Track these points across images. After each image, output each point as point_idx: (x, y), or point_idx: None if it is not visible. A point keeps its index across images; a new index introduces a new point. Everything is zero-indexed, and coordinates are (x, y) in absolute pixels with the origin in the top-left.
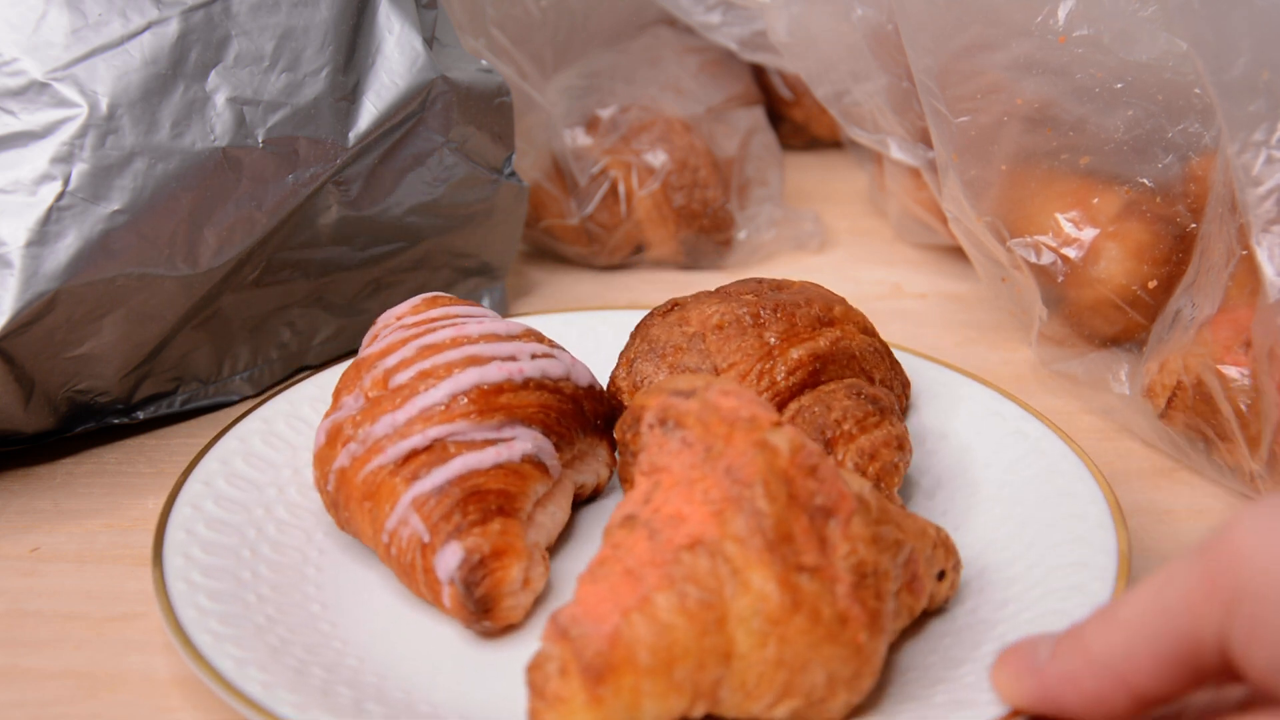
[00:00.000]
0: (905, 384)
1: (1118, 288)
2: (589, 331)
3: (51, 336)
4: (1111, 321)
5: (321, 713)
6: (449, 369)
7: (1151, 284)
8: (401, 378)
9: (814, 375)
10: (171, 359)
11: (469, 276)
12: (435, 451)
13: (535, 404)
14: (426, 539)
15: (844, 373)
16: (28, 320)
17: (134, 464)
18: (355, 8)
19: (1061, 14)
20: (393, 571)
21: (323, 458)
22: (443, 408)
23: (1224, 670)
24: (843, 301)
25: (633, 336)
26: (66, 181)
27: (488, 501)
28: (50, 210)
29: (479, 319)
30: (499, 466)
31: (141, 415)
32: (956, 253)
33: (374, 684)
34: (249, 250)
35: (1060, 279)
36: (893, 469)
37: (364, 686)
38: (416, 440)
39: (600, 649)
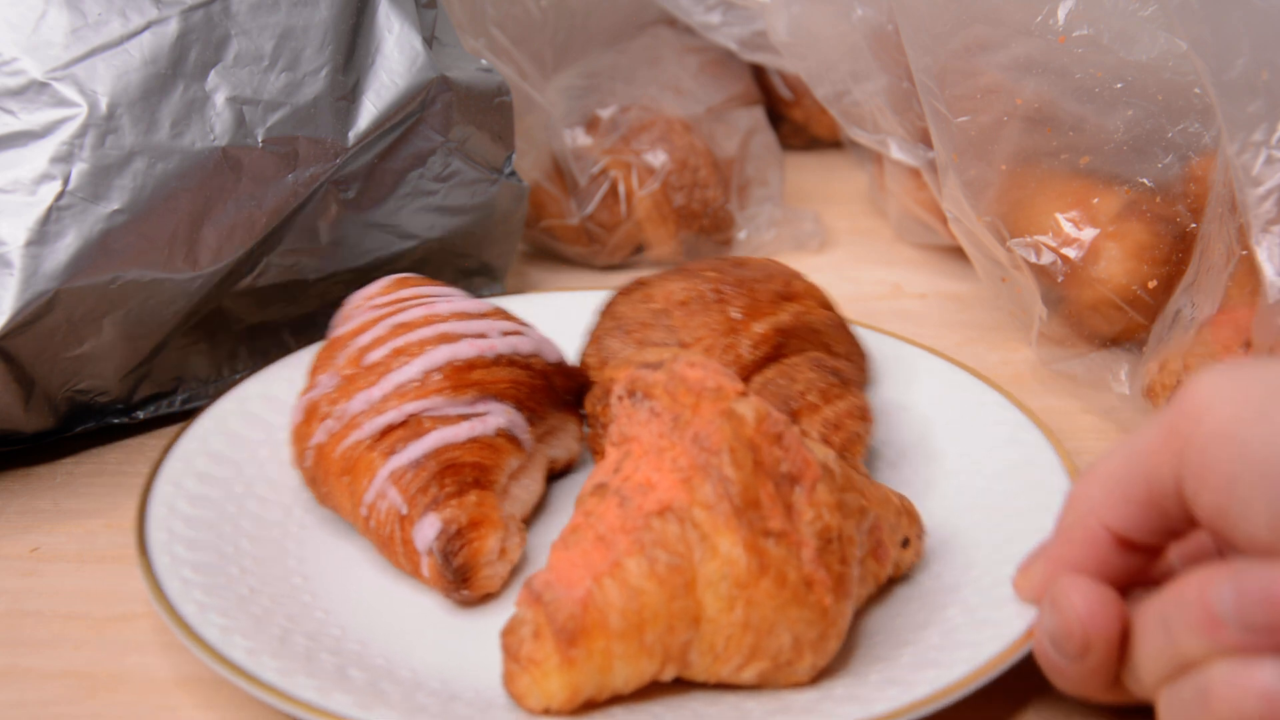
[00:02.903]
0: (863, 356)
1: (1118, 288)
2: (559, 311)
3: (51, 336)
4: (1111, 321)
5: (305, 677)
6: (421, 346)
7: (1151, 284)
8: (375, 355)
9: (778, 349)
10: (171, 359)
11: (469, 276)
12: (410, 426)
13: (507, 380)
14: (404, 511)
15: (805, 346)
16: (28, 320)
17: (134, 464)
18: (355, 7)
19: (1061, 14)
20: (372, 544)
21: (300, 435)
22: (417, 384)
23: (1185, 514)
24: (800, 276)
25: (600, 315)
26: (66, 181)
27: (463, 474)
28: (50, 210)
29: (448, 298)
30: (474, 440)
31: (141, 415)
32: (956, 253)
33: (356, 651)
34: (249, 250)
35: (1060, 279)
36: (856, 439)
37: (346, 653)
38: (392, 415)
39: (573, 613)
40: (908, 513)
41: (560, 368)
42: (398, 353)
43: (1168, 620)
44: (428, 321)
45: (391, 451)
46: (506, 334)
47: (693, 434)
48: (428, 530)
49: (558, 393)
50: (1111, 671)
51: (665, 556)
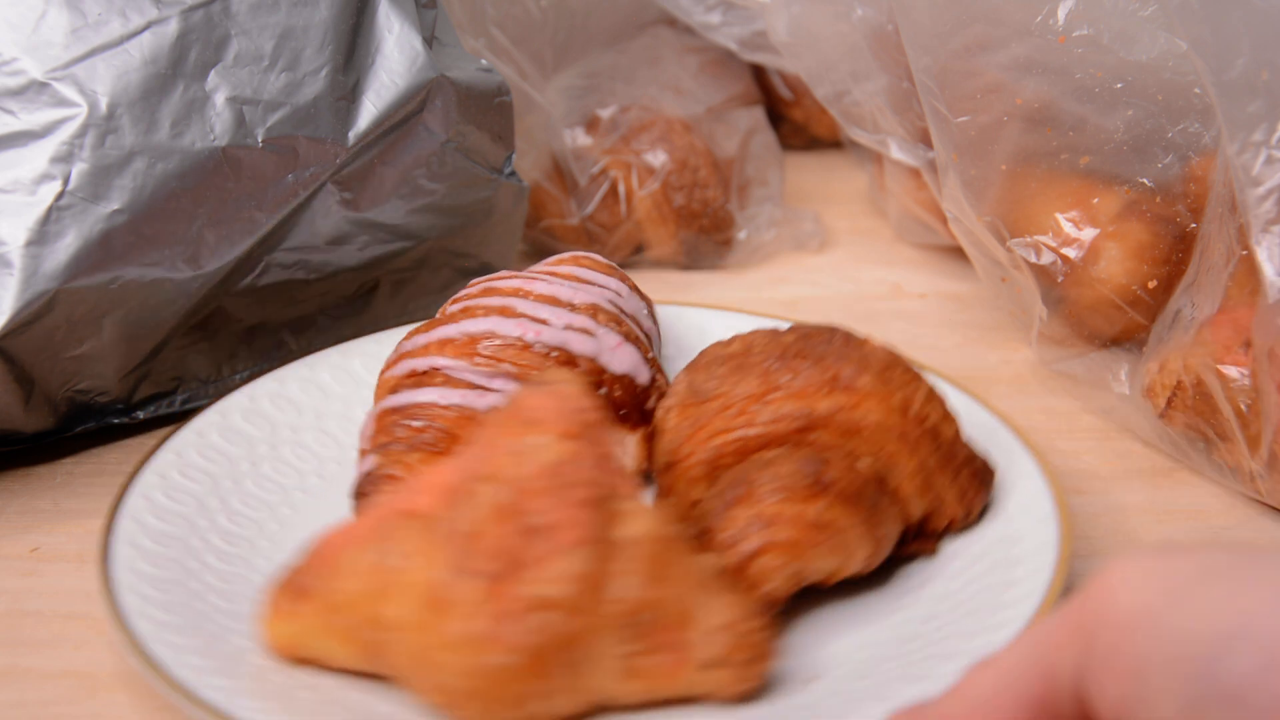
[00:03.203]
0: (971, 496)
1: (1118, 288)
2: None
3: (51, 336)
4: (1111, 321)
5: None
6: (485, 311)
7: (1151, 284)
8: (454, 307)
9: (798, 433)
10: (171, 359)
11: (469, 276)
12: (424, 377)
13: (536, 368)
14: (362, 446)
15: (838, 443)
16: (28, 320)
17: (134, 464)
18: (355, 7)
19: (1061, 14)
20: None
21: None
22: (454, 342)
23: (1083, 716)
24: (898, 368)
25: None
26: (66, 181)
27: (424, 434)
28: (50, 210)
29: (572, 283)
30: (460, 410)
31: (141, 415)
32: (956, 253)
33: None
34: (249, 250)
35: (1060, 279)
36: (774, 568)
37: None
38: (418, 363)
39: (308, 573)
40: (742, 639)
41: (624, 380)
42: (465, 311)
43: None
44: (511, 292)
45: (394, 391)
46: (571, 328)
47: (475, 453)
48: (363, 467)
49: (610, 401)
50: None
51: (389, 556)
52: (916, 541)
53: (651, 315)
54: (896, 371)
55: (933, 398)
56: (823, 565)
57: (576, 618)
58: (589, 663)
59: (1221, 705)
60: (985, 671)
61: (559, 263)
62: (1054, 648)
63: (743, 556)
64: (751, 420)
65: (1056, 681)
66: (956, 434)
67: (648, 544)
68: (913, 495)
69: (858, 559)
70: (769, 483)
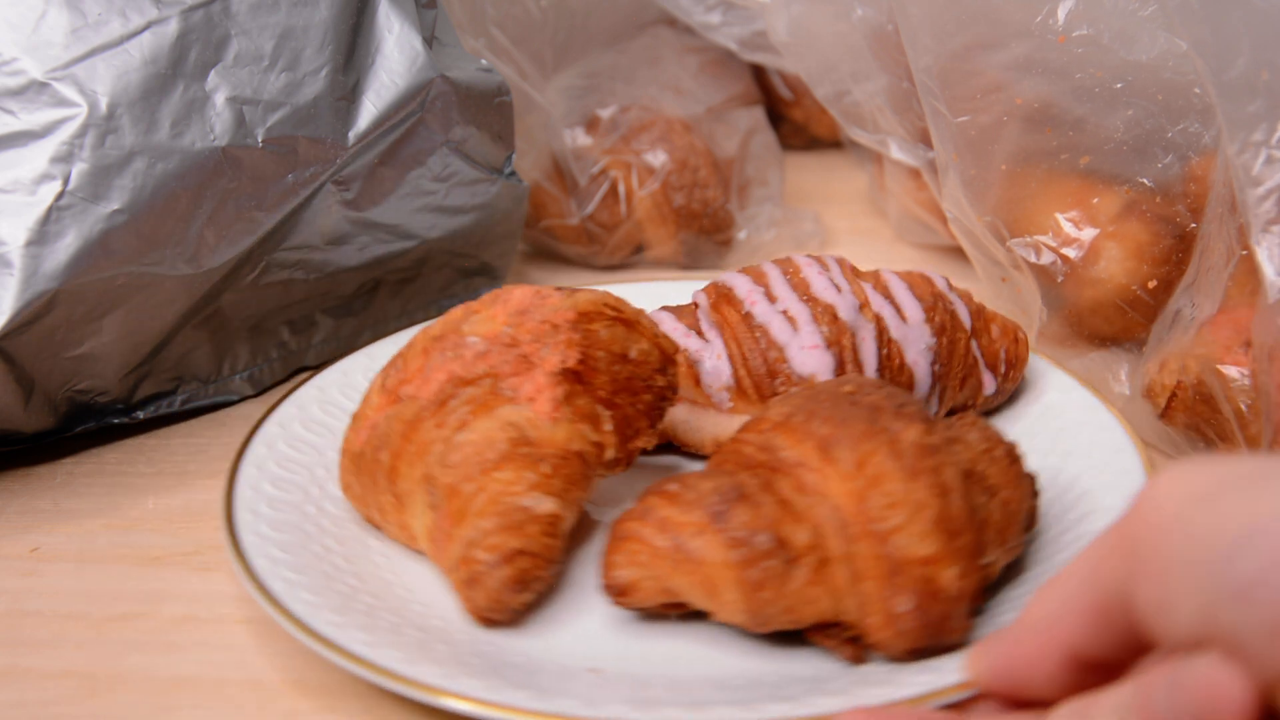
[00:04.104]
0: (907, 624)
1: (1118, 288)
2: None
3: (51, 336)
4: (1111, 321)
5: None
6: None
7: (1151, 284)
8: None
9: (768, 470)
10: (171, 359)
11: (469, 276)
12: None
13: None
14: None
15: (791, 498)
16: (28, 320)
17: (134, 464)
18: (355, 7)
19: (1061, 14)
20: None
21: None
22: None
23: (1138, 627)
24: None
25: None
26: (66, 181)
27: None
28: (50, 210)
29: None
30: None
31: (141, 415)
32: (956, 253)
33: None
34: (249, 250)
35: (1060, 279)
36: (626, 564)
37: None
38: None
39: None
40: (468, 559)
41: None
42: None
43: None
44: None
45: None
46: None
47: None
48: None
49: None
50: None
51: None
52: (844, 642)
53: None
54: (907, 461)
55: (917, 515)
56: (687, 594)
57: (388, 450)
58: (410, 496)
59: (1232, 603)
60: (1049, 590)
61: (859, 274)
62: (1105, 559)
63: (616, 533)
64: (744, 439)
65: (1109, 590)
66: (931, 563)
67: (506, 439)
68: (830, 588)
69: (730, 610)
70: (691, 491)
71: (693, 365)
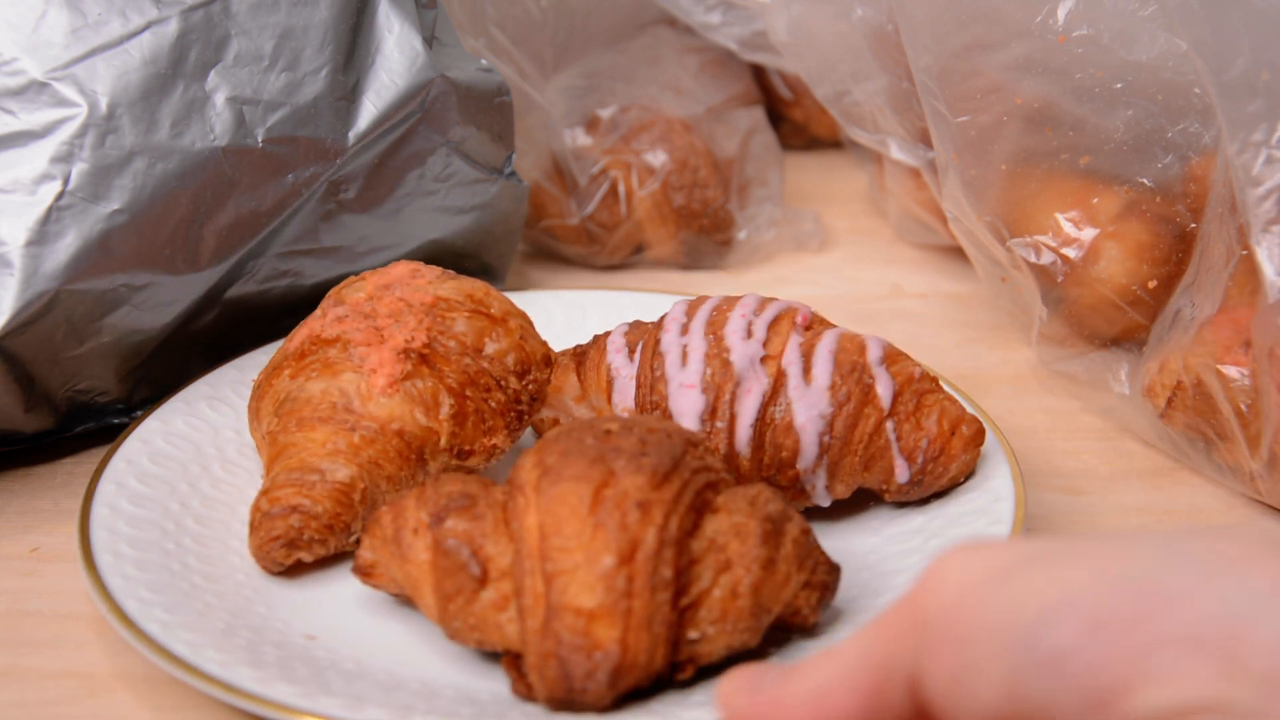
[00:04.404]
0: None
1: (1118, 288)
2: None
3: (51, 336)
4: (1111, 321)
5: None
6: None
7: (1151, 284)
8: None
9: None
10: (171, 359)
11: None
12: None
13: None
14: None
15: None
16: (28, 320)
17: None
18: (355, 7)
19: (1061, 14)
20: None
21: None
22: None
23: (915, 707)
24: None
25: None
26: (66, 181)
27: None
28: (50, 210)
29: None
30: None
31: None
32: (956, 253)
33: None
34: (249, 250)
35: (1060, 279)
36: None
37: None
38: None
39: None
40: (259, 507)
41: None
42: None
43: None
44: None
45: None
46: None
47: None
48: None
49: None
50: None
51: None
52: (520, 676)
53: None
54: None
55: (588, 565)
56: (405, 587)
57: (255, 393)
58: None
59: (1042, 673)
60: (824, 661)
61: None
62: (889, 640)
63: (375, 512)
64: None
65: (891, 673)
66: (591, 617)
67: (328, 403)
68: (512, 617)
69: (430, 614)
70: (437, 488)
71: (611, 381)
